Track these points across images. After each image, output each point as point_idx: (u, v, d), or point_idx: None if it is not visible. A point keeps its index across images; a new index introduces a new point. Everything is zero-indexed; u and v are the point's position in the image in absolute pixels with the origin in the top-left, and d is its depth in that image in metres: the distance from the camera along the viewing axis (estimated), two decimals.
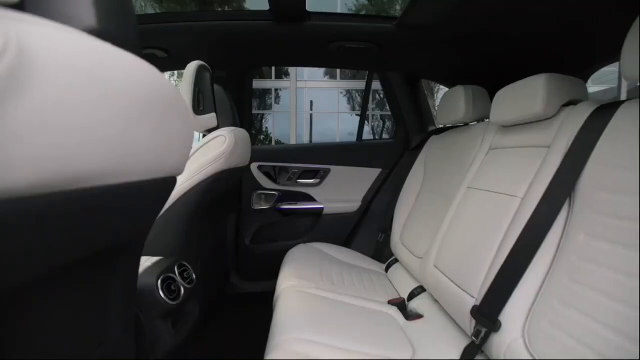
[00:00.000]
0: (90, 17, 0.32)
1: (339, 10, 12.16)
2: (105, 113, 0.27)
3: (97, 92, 0.26)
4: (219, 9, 10.09)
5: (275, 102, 13.21)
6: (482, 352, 0.72)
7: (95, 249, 0.41)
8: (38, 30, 0.23)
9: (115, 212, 0.38)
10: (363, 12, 11.72)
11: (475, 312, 0.73)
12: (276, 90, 13.18)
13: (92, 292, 0.47)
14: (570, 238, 0.63)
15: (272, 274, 1.26)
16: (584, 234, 0.60)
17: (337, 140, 12.10)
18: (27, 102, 0.21)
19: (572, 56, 1.15)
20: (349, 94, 12.99)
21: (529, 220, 0.70)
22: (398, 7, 10.87)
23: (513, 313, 0.66)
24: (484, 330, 0.69)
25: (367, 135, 12.03)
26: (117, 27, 0.35)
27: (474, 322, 0.73)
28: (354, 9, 11.65)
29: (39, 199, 0.24)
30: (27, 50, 0.21)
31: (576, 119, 0.71)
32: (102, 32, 0.32)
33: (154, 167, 0.39)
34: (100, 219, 0.35)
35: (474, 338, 0.72)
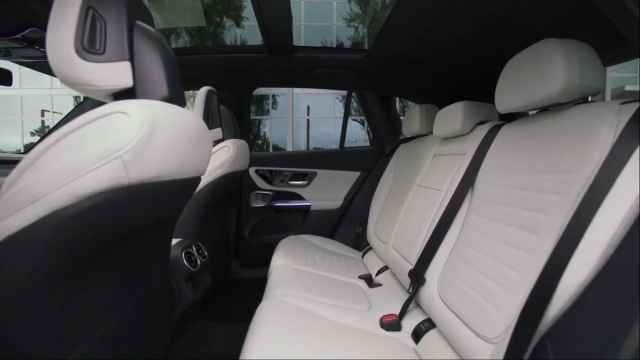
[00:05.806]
0: (165, 90, 0.60)
1: (334, 18, 12.62)
2: (180, 143, 0.56)
3: (178, 134, 0.55)
4: (217, 19, 10.47)
5: (273, 108, 13.50)
6: (418, 304, 1.00)
7: (156, 220, 0.69)
8: (154, 109, 0.52)
9: (170, 195, 0.67)
10: (357, 20, 12.13)
11: (411, 273, 1.01)
12: (273, 96, 13.47)
13: (145, 253, 0.75)
14: (468, 217, 0.91)
15: (268, 262, 1.48)
16: (476, 214, 0.89)
17: (334, 143, 12.47)
18: (155, 142, 0.50)
19: None
20: (345, 99, 13.28)
21: (446, 207, 0.99)
22: None
23: (433, 270, 0.94)
24: (415, 285, 0.98)
25: (365, 138, 12.37)
26: (175, 91, 0.64)
27: (410, 280, 1.01)
28: (348, 17, 12.05)
29: (152, 185, 0.53)
30: (154, 120, 0.50)
31: (481, 134, 1.00)
32: (171, 98, 0.61)
33: (193, 169, 0.68)
34: (165, 198, 0.64)
35: (409, 292, 1.00)
